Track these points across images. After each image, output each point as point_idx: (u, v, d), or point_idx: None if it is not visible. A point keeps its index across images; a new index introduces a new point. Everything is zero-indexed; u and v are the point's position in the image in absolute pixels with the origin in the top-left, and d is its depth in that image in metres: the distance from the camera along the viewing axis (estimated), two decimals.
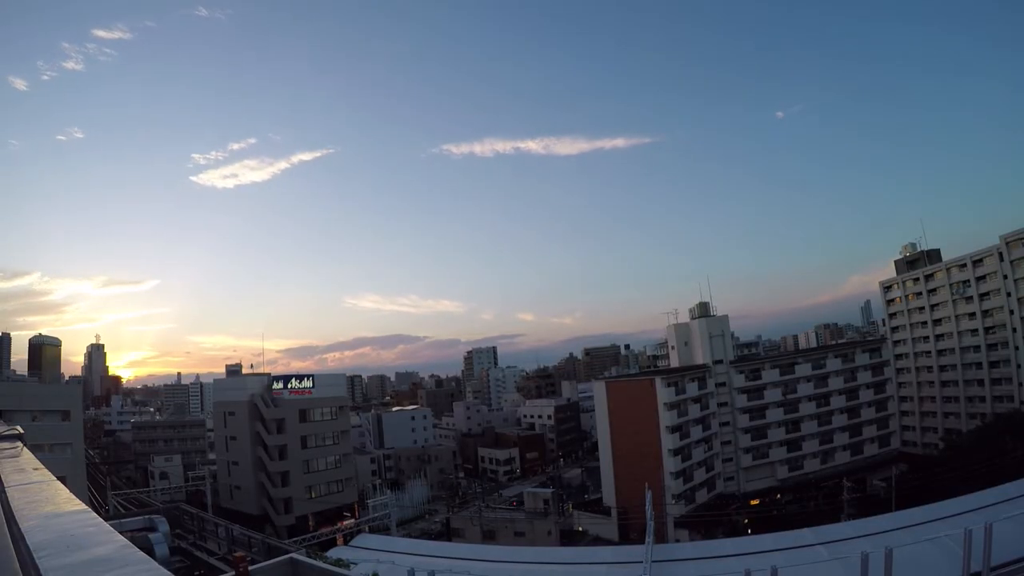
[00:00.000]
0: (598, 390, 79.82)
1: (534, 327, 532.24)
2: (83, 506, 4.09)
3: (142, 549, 3.04)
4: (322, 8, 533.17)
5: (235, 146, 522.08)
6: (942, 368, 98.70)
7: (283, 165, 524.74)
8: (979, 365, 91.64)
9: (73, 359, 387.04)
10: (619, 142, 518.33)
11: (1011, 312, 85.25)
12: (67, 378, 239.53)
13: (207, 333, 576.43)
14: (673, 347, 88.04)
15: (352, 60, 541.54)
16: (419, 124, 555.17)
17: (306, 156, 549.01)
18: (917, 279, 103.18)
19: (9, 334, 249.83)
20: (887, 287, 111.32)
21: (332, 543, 53.89)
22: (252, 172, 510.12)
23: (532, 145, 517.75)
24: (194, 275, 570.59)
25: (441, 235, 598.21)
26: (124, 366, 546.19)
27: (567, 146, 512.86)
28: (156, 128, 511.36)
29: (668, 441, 68.83)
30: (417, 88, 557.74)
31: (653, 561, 20.77)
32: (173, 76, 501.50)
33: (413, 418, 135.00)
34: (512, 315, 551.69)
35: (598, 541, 65.16)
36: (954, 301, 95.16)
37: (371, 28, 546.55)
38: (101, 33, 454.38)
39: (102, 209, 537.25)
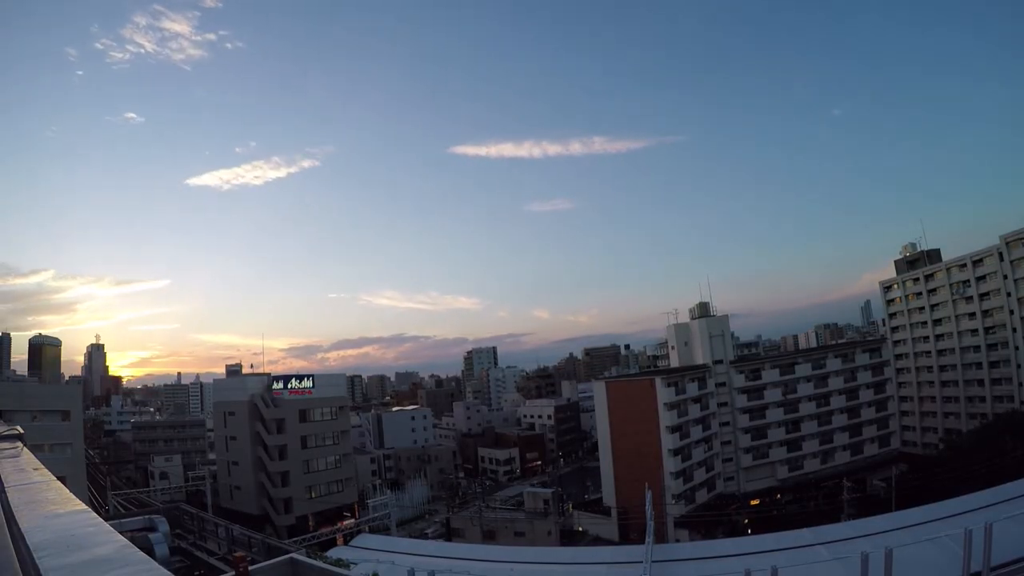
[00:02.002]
0: (598, 390, 79.83)
1: (548, 325, 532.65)
2: (83, 506, 4.09)
3: (142, 549, 3.04)
4: (343, 8, 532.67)
5: (251, 144, 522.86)
6: (942, 368, 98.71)
7: (304, 164, 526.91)
8: (979, 365, 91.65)
9: (76, 359, 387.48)
10: (631, 144, 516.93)
11: (1011, 312, 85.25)
12: (67, 378, 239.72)
13: (212, 332, 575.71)
14: (673, 347, 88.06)
15: (370, 58, 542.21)
16: (444, 126, 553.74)
17: (325, 155, 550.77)
18: (917, 279, 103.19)
19: (9, 334, 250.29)
20: (887, 287, 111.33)
21: (332, 543, 53.89)
22: (269, 171, 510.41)
23: (540, 148, 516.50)
24: (201, 275, 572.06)
25: (463, 233, 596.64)
26: (127, 366, 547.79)
27: (584, 147, 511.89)
28: (170, 125, 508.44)
29: (668, 441, 68.85)
30: (437, 89, 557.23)
31: (653, 561, 20.77)
32: (187, 79, 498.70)
33: (413, 418, 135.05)
34: (528, 312, 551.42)
35: (598, 541, 65.19)
36: (954, 301, 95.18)
37: (387, 27, 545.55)
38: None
39: (112, 207, 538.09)
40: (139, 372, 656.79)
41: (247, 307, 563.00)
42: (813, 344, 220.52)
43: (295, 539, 51.44)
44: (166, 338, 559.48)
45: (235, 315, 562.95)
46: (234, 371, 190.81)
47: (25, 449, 7.35)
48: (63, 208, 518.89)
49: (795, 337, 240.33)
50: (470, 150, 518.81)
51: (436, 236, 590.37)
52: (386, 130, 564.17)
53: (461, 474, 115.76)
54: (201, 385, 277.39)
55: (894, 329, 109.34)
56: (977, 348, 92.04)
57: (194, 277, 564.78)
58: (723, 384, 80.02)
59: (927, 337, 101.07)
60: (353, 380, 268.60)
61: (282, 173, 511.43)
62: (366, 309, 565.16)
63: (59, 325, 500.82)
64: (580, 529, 72.66)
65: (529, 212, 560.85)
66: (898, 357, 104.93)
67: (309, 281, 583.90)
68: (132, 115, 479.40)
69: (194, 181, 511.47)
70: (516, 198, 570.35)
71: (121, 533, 3.31)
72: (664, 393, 70.34)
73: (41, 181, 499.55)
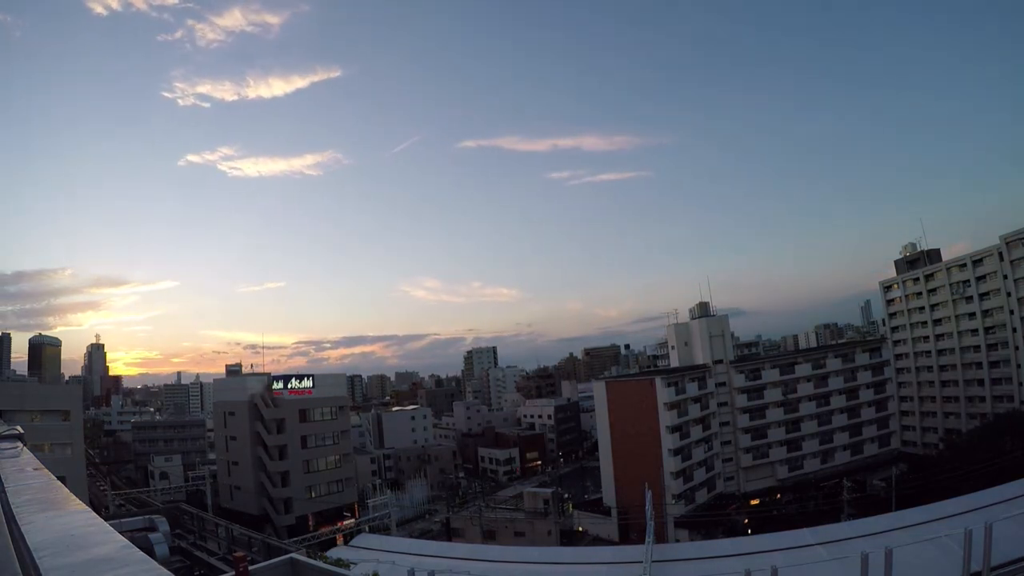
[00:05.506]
0: (598, 390, 79.79)
1: (580, 317, 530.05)
2: (83, 506, 4.09)
3: (142, 549, 3.04)
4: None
5: (267, 137, 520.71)
6: (942, 368, 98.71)
7: (335, 156, 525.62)
8: (979, 365, 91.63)
9: (76, 359, 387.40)
10: (634, 143, 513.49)
11: (1011, 312, 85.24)
12: (67, 378, 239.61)
13: (220, 330, 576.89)
14: (673, 347, 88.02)
15: (388, 50, 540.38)
16: (495, 120, 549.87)
17: (364, 147, 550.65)
18: (917, 279, 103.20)
19: (9, 334, 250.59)
20: (887, 287, 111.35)
21: (332, 543, 53.92)
22: (291, 164, 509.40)
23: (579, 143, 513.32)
24: (207, 274, 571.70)
25: (508, 224, 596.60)
26: (127, 366, 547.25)
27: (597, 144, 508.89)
28: (176, 116, 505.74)
29: (668, 441, 68.82)
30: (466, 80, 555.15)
31: (653, 561, 20.75)
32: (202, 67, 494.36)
33: (413, 418, 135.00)
34: (561, 304, 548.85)
35: (598, 541, 65.17)
36: (954, 301, 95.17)
37: (401, 18, 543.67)
38: None
39: (113, 206, 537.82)
40: (137, 372, 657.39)
41: (253, 306, 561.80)
42: (813, 344, 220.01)
43: (295, 539, 51.45)
44: (166, 338, 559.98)
45: (240, 314, 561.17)
46: (234, 371, 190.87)
47: (25, 449, 7.35)
48: (63, 207, 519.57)
49: (795, 337, 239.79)
50: (521, 145, 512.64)
51: (483, 228, 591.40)
52: (423, 123, 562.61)
53: (461, 474, 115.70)
54: (201, 385, 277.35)
55: (894, 329, 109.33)
56: (977, 348, 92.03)
57: (199, 276, 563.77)
58: (723, 384, 79.99)
59: (927, 337, 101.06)
60: (353, 380, 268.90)
61: (314, 165, 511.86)
62: (397, 302, 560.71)
63: (60, 325, 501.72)
64: (580, 529, 72.63)
65: (569, 206, 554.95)
66: (898, 357, 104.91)
67: (334, 276, 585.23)
68: (131, 107, 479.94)
69: (201, 175, 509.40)
70: (557, 188, 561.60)
71: (121, 533, 3.31)
72: (664, 393, 70.31)
73: (42, 179, 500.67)
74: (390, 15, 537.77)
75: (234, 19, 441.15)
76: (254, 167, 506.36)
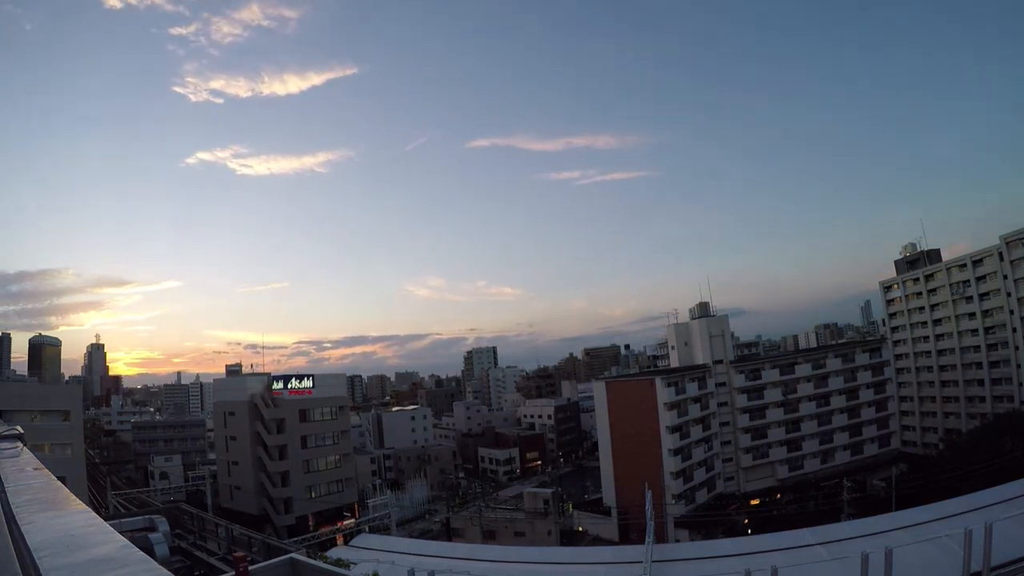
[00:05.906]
0: (598, 390, 79.78)
1: (585, 315, 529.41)
2: (83, 506, 4.10)
3: (142, 549, 3.05)
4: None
5: (271, 135, 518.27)
6: (942, 368, 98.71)
7: (346, 154, 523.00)
8: (979, 365, 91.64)
9: (76, 359, 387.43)
10: (638, 140, 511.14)
11: (1011, 312, 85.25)
12: (67, 378, 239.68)
13: (220, 329, 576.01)
14: (673, 347, 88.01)
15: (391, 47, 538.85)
16: (511, 119, 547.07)
17: (365, 146, 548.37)
18: (917, 279, 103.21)
19: (9, 334, 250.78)
20: (887, 287, 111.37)
21: (332, 543, 53.95)
22: (297, 162, 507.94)
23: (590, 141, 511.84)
24: (209, 273, 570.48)
25: (515, 223, 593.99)
26: (127, 366, 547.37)
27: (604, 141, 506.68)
28: (187, 112, 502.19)
29: (668, 441, 68.82)
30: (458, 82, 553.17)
31: (653, 561, 20.75)
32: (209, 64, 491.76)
33: (413, 418, 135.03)
34: (565, 303, 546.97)
35: (598, 541, 65.16)
36: (954, 301, 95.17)
37: (416, 17, 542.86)
38: None
39: (114, 205, 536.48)
40: (137, 372, 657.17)
41: (255, 306, 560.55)
42: (813, 344, 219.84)
43: (295, 539, 51.40)
44: (168, 338, 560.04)
45: (242, 314, 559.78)
46: (234, 371, 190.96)
47: (25, 449, 7.35)
48: (68, 206, 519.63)
49: (795, 337, 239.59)
50: (533, 144, 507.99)
51: (490, 226, 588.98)
52: (435, 121, 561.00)
53: (461, 474, 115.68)
54: (201, 385, 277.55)
55: (894, 329, 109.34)
56: (977, 348, 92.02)
57: (202, 275, 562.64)
58: (723, 384, 79.99)
59: (927, 337, 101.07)
60: (353, 380, 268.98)
61: (324, 163, 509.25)
62: (400, 301, 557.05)
63: (62, 325, 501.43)
64: (580, 529, 72.64)
65: (577, 203, 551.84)
66: (898, 357, 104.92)
67: (337, 275, 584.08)
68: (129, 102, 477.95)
69: (209, 174, 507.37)
70: (562, 186, 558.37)
71: (121, 533, 3.31)
72: (664, 393, 70.31)
73: (47, 178, 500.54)
74: (406, 13, 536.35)
75: (251, 12, 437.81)
76: (264, 165, 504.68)
